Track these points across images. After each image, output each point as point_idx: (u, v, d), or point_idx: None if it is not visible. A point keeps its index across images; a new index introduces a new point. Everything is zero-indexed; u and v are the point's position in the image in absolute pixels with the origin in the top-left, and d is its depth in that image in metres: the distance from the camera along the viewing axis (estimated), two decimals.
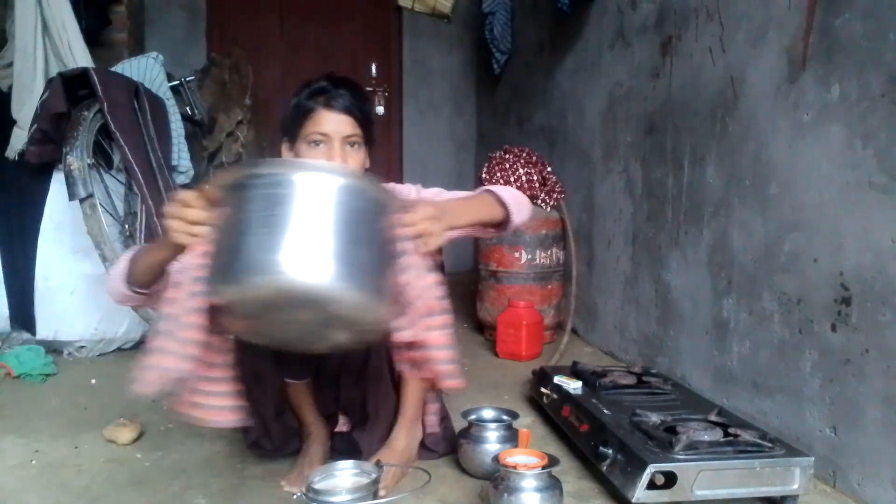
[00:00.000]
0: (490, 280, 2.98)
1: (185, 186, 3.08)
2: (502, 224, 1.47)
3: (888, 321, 1.40)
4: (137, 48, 3.85)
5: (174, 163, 2.93)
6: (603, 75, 2.83)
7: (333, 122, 1.40)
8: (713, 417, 1.57)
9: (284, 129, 1.48)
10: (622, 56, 2.65)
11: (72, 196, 2.32)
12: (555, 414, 1.86)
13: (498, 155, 3.12)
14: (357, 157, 1.44)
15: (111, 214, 2.56)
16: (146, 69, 2.97)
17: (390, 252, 1.13)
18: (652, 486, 1.36)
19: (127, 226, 2.61)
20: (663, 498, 1.36)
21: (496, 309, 2.89)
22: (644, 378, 1.91)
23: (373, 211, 1.10)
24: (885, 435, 1.41)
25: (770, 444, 1.42)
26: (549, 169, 3.09)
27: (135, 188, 2.57)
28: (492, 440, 1.56)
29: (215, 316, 1.13)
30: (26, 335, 2.62)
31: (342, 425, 1.69)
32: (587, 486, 1.56)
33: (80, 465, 1.63)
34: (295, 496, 1.44)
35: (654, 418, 1.54)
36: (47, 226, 2.59)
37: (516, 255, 2.90)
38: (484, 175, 3.08)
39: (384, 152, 4.65)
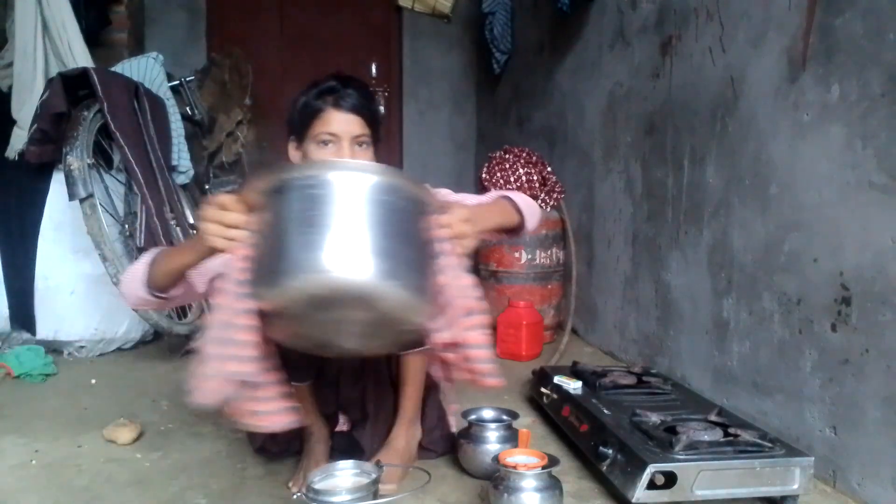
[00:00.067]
0: (490, 280, 2.98)
1: (185, 186, 3.08)
2: (516, 230, 1.49)
3: (888, 321, 1.40)
4: (137, 48, 3.86)
5: (174, 163, 2.93)
6: (603, 75, 2.83)
7: (342, 122, 1.40)
8: (713, 417, 1.57)
9: (291, 129, 1.47)
10: (622, 56, 2.65)
11: (72, 196, 2.32)
12: (555, 414, 1.86)
13: (498, 155, 3.13)
14: (365, 157, 1.44)
15: (111, 214, 2.56)
16: (146, 69, 2.97)
17: (430, 252, 1.13)
18: (652, 486, 1.36)
19: (127, 226, 2.61)
20: (663, 498, 1.36)
21: (496, 309, 2.88)
22: (644, 378, 1.91)
23: (414, 210, 1.11)
24: (885, 435, 1.41)
25: (770, 444, 1.42)
26: (549, 169, 3.09)
27: (135, 188, 2.57)
28: (492, 440, 1.56)
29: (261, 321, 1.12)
30: (26, 335, 2.62)
31: (342, 425, 1.69)
32: (587, 486, 1.56)
33: (80, 465, 1.63)
34: (295, 496, 1.44)
35: (654, 418, 1.54)
36: (47, 226, 2.59)
37: (516, 255, 2.91)
38: (484, 175, 3.08)
39: (384, 152, 4.61)
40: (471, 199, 1.50)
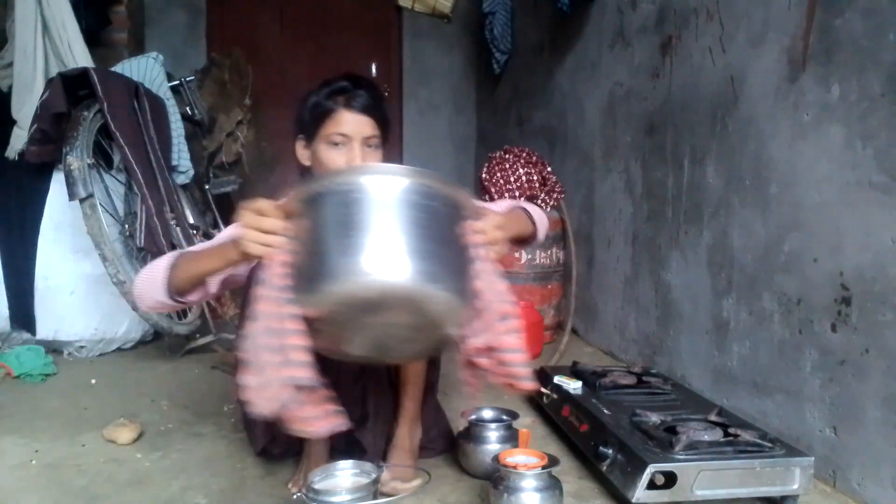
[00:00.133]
0: None
1: (185, 186, 3.08)
2: (528, 240, 1.51)
3: (888, 321, 1.40)
4: (137, 48, 3.85)
5: (174, 163, 2.93)
6: (603, 75, 2.83)
7: (354, 123, 1.40)
8: (713, 417, 1.57)
9: (300, 127, 1.47)
10: (622, 56, 2.65)
11: (72, 196, 2.32)
12: (555, 414, 1.86)
13: (498, 155, 3.13)
14: (375, 159, 1.44)
15: (111, 214, 2.56)
16: (146, 69, 2.96)
17: (468, 256, 1.14)
18: (652, 486, 1.36)
19: (127, 226, 2.61)
20: (663, 498, 1.36)
21: None
22: (644, 378, 1.91)
23: (453, 215, 1.12)
24: (885, 435, 1.41)
25: (770, 444, 1.42)
26: (549, 169, 3.09)
27: (135, 188, 2.57)
28: (492, 440, 1.56)
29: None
30: (26, 335, 2.61)
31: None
32: (587, 486, 1.56)
33: (80, 465, 1.63)
34: (295, 496, 1.44)
35: (654, 418, 1.54)
36: (47, 226, 2.58)
37: (516, 255, 2.90)
38: (484, 175, 3.08)
39: (384, 152, 4.64)
40: (492, 206, 1.51)
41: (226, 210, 3.50)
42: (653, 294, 2.40)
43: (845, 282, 1.52)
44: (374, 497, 1.32)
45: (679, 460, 1.38)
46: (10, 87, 2.74)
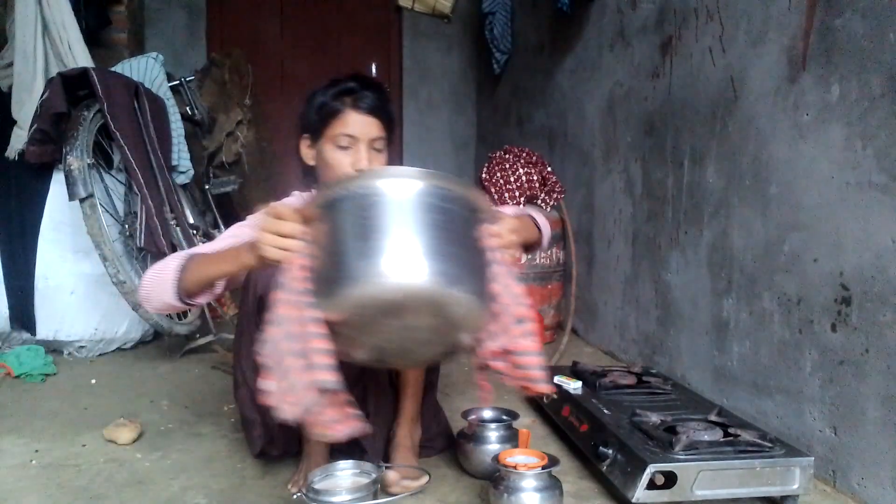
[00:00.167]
0: None
1: (185, 186, 3.08)
2: (533, 247, 1.52)
3: (888, 321, 1.40)
4: (137, 48, 3.86)
5: (174, 163, 2.93)
6: (603, 75, 2.83)
7: (361, 125, 1.40)
8: (713, 417, 1.57)
9: (306, 126, 1.46)
10: (622, 56, 2.65)
11: (72, 196, 2.32)
12: (555, 414, 1.86)
13: (498, 155, 3.13)
14: (381, 161, 1.44)
15: (111, 214, 2.56)
16: (146, 69, 2.97)
17: (485, 259, 1.15)
18: (652, 486, 1.36)
19: (127, 226, 2.61)
20: (663, 498, 1.36)
21: None
22: (644, 378, 1.91)
23: (471, 218, 1.12)
24: (885, 435, 1.41)
25: (770, 444, 1.42)
26: (549, 169, 3.09)
27: (135, 188, 2.57)
28: (492, 440, 1.56)
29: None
30: (26, 335, 2.62)
31: None
32: (587, 486, 1.55)
33: (80, 465, 1.63)
34: (295, 496, 1.45)
35: (654, 418, 1.54)
36: (47, 226, 2.59)
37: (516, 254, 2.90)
38: (484, 175, 3.08)
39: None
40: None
41: (226, 210, 3.50)
42: (653, 294, 2.40)
43: (845, 282, 1.52)
44: (375, 497, 1.32)
45: (679, 460, 1.38)
46: (10, 87, 2.74)
